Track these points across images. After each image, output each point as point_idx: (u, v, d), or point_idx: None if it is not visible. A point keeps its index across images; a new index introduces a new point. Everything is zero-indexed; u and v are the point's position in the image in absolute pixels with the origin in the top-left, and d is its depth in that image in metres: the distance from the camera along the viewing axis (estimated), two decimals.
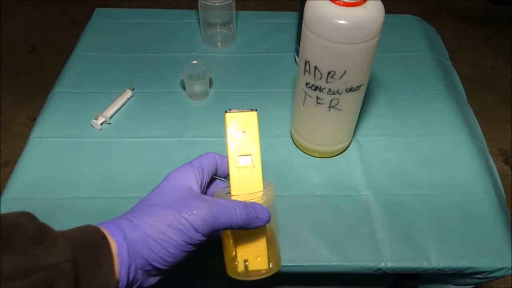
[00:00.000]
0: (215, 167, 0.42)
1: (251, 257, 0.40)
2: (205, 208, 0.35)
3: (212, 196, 0.41)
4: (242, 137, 0.40)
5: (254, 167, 0.40)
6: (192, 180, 0.38)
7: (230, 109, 0.40)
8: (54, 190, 0.57)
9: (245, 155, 0.40)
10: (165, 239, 0.33)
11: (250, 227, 0.37)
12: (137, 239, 0.33)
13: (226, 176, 0.41)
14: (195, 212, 0.34)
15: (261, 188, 0.40)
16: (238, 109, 0.41)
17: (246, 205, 0.37)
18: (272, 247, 0.41)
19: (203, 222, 0.34)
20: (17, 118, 1.51)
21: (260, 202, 0.39)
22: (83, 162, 0.61)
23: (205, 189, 0.41)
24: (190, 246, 0.35)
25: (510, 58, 1.77)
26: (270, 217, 0.38)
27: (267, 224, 0.39)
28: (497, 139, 1.47)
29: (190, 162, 0.40)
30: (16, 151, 1.37)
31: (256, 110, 0.40)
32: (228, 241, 0.40)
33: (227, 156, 0.40)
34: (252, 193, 0.39)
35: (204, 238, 0.35)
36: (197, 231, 0.34)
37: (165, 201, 0.35)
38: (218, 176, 0.43)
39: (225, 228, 0.36)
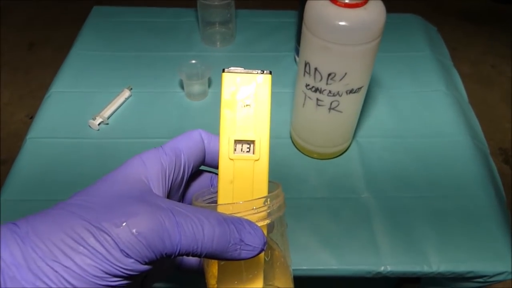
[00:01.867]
0: (201, 152, 0.28)
1: None
2: (146, 217, 0.21)
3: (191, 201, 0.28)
4: (244, 113, 0.27)
5: (257, 159, 0.26)
6: (152, 173, 0.25)
7: (231, 68, 0.27)
8: (51, 192, 0.56)
9: (245, 141, 0.27)
10: (65, 263, 0.20)
11: (230, 257, 0.23)
12: (16, 261, 0.20)
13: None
14: (125, 223, 0.21)
15: (265, 192, 0.26)
16: (244, 68, 0.27)
17: (224, 220, 0.23)
18: (283, 277, 0.28)
19: (138, 241, 0.21)
20: (15, 116, 1.50)
21: (259, 216, 0.25)
22: (80, 163, 0.60)
23: (182, 188, 0.28)
24: (115, 280, 0.21)
25: (510, 56, 1.76)
26: (265, 243, 0.24)
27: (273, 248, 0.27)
28: (497, 138, 1.47)
29: (161, 146, 0.27)
30: (14, 149, 1.37)
31: (270, 72, 0.27)
32: (209, 267, 0.27)
33: (218, 140, 0.27)
34: (248, 201, 0.25)
35: (143, 268, 0.21)
36: (126, 254, 0.21)
37: (88, 201, 0.23)
38: (208, 165, 0.29)
39: (184, 254, 0.22)
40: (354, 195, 0.57)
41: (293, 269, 0.50)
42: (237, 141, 0.26)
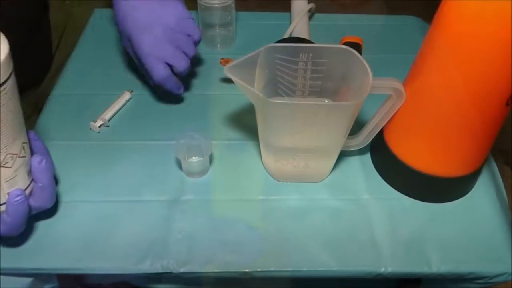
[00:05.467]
0: None
1: None
2: None
3: None
4: None
5: None
6: None
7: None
8: None
9: None
10: None
11: None
12: None
13: None
14: None
15: None
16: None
17: None
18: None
19: None
20: None
21: None
22: (81, 165, 0.60)
23: None
24: None
25: None
26: None
27: None
28: (498, 139, 1.46)
29: None
30: None
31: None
32: None
33: None
34: None
35: None
36: None
37: None
38: None
39: None
40: (354, 196, 0.57)
41: (293, 271, 0.50)
42: None
